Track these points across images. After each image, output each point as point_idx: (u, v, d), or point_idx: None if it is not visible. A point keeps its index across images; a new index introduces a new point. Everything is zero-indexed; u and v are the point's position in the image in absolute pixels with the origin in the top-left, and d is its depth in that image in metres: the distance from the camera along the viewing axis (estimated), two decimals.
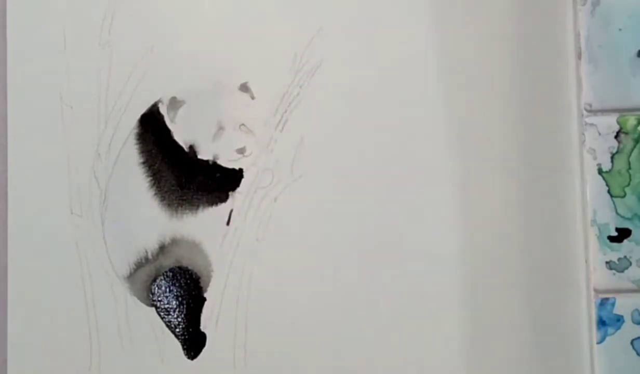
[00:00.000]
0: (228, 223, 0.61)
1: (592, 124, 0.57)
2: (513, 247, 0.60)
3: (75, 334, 0.61)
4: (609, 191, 0.56)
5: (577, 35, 0.57)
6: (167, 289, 0.61)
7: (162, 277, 0.61)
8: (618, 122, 0.56)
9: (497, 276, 0.60)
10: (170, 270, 0.61)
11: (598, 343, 0.56)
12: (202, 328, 0.61)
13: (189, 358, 0.61)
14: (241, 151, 0.62)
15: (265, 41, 0.62)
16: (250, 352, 0.61)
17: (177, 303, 0.61)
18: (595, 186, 0.57)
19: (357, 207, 0.61)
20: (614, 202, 0.56)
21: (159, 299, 0.61)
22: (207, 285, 0.61)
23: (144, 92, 0.62)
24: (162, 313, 0.61)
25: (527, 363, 0.60)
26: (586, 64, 0.57)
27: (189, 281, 0.61)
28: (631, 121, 0.56)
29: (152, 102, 0.62)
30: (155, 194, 0.62)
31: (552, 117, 0.61)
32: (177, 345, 0.61)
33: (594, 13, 0.57)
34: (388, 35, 0.61)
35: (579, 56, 0.57)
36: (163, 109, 0.62)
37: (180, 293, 0.61)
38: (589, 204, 0.57)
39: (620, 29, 0.57)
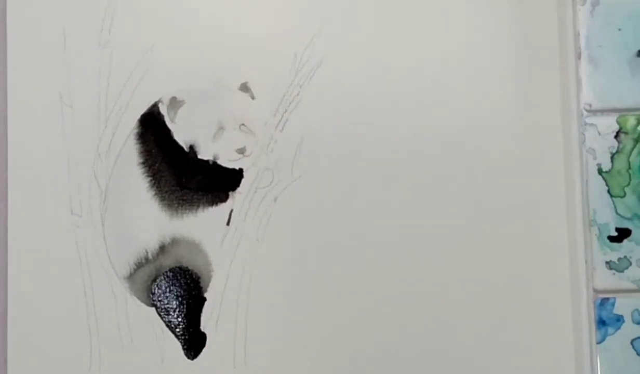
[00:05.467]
0: (228, 223, 0.61)
1: (592, 124, 0.57)
2: (513, 247, 0.60)
3: (75, 334, 0.61)
4: (609, 191, 0.56)
5: (577, 35, 0.57)
6: (167, 289, 0.61)
7: (162, 277, 0.61)
8: (618, 122, 0.56)
9: (497, 276, 0.60)
10: (170, 270, 0.61)
11: (598, 343, 0.56)
12: (202, 328, 0.61)
13: (189, 358, 0.61)
14: (241, 151, 0.62)
15: (265, 41, 0.62)
16: (250, 352, 0.61)
17: (177, 303, 0.61)
18: (595, 186, 0.57)
19: (356, 207, 0.61)
20: (614, 202, 0.56)
21: (159, 299, 0.61)
22: (207, 285, 0.61)
23: (144, 92, 0.62)
24: (162, 313, 0.61)
25: (527, 363, 0.60)
26: (586, 64, 0.57)
27: (189, 281, 0.61)
28: (631, 121, 0.56)
29: (152, 102, 0.62)
30: (156, 194, 0.62)
31: (552, 117, 0.61)
32: (177, 345, 0.61)
33: (593, 13, 0.57)
34: (388, 36, 0.62)
35: (579, 56, 0.57)
36: (163, 109, 0.62)
37: (180, 293, 0.61)
38: (589, 204, 0.57)
39: (620, 29, 0.57)
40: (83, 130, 0.62)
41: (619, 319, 0.56)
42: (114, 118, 0.62)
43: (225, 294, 0.61)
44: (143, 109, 0.62)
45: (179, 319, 0.61)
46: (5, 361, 0.61)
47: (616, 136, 0.56)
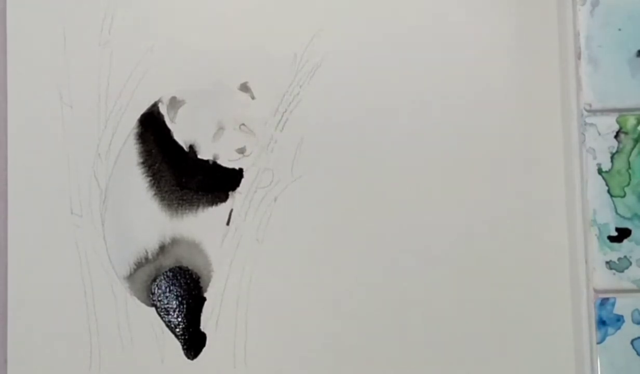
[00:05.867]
0: (228, 223, 0.61)
1: (592, 124, 0.57)
2: (513, 247, 0.60)
3: (75, 334, 0.61)
4: (609, 191, 0.56)
5: (577, 35, 0.57)
6: (167, 289, 0.61)
7: (162, 277, 0.61)
8: (618, 122, 0.56)
9: (497, 276, 0.60)
10: (170, 270, 0.61)
11: (598, 343, 0.56)
12: (202, 328, 0.61)
13: (189, 358, 0.61)
14: (241, 151, 0.62)
15: (265, 41, 0.62)
16: (250, 352, 0.61)
17: (177, 303, 0.61)
18: (595, 186, 0.57)
19: (356, 207, 0.61)
20: (614, 202, 0.56)
21: (159, 299, 0.61)
22: (207, 285, 0.61)
23: (144, 92, 0.62)
24: (162, 313, 0.61)
25: (527, 363, 0.60)
26: (586, 64, 0.57)
27: (189, 281, 0.61)
28: (631, 121, 0.56)
29: (152, 102, 0.62)
30: (155, 194, 0.62)
31: (552, 117, 0.61)
32: (177, 345, 0.61)
33: (593, 13, 0.57)
34: (388, 36, 0.61)
35: (579, 56, 0.57)
36: (163, 109, 0.62)
37: (180, 293, 0.61)
38: (589, 204, 0.56)
39: (620, 29, 0.57)
40: (83, 130, 0.62)
41: (619, 319, 0.56)
42: (114, 118, 0.62)
43: (225, 294, 0.61)
44: (143, 109, 0.62)
45: (179, 319, 0.61)
46: (5, 361, 0.61)
47: (616, 136, 0.56)
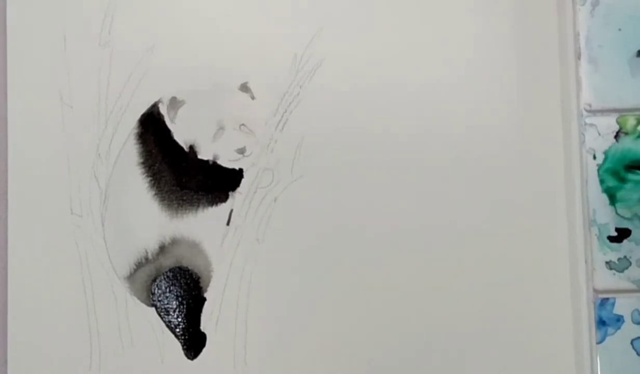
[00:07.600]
0: (228, 223, 0.61)
1: (591, 124, 0.57)
2: (513, 247, 0.60)
3: (75, 334, 0.61)
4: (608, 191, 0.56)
5: (577, 35, 0.57)
6: (167, 289, 0.61)
7: (162, 277, 0.61)
8: (618, 122, 0.56)
9: (497, 276, 0.60)
10: (170, 270, 0.61)
11: (598, 343, 0.56)
12: (202, 328, 0.61)
13: (189, 358, 0.61)
14: (241, 151, 0.62)
15: (265, 41, 0.62)
16: (250, 352, 0.61)
17: (177, 303, 0.61)
18: (595, 186, 0.57)
19: (356, 207, 0.61)
20: (614, 202, 0.56)
21: (159, 299, 0.61)
22: (207, 285, 0.61)
23: (144, 92, 0.62)
24: (162, 313, 0.61)
25: (527, 363, 0.60)
26: (586, 64, 0.57)
27: (189, 281, 0.61)
28: (631, 121, 0.56)
29: (152, 102, 0.62)
30: (156, 194, 0.62)
31: (552, 117, 0.61)
32: (177, 345, 0.61)
33: (593, 13, 0.57)
34: (388, 36, 0.62)
35: (579, 56, 0.57)
36: (163, 109, 0.62)
37: (180, 293, 0.61)
38: (589, 204, 0.56)
39: (620, 29, 0.57)
40: (83, 130, 0.62)
41: (619, 319, 0.56)
42: (114, 118, 0.62)
43: (225, 294, 0.61)
44: (143, 109, 0.62)
45: (179, 319, 0.61)
46: (5, 361, 0.61)
47: (616, 136, 0.56)
